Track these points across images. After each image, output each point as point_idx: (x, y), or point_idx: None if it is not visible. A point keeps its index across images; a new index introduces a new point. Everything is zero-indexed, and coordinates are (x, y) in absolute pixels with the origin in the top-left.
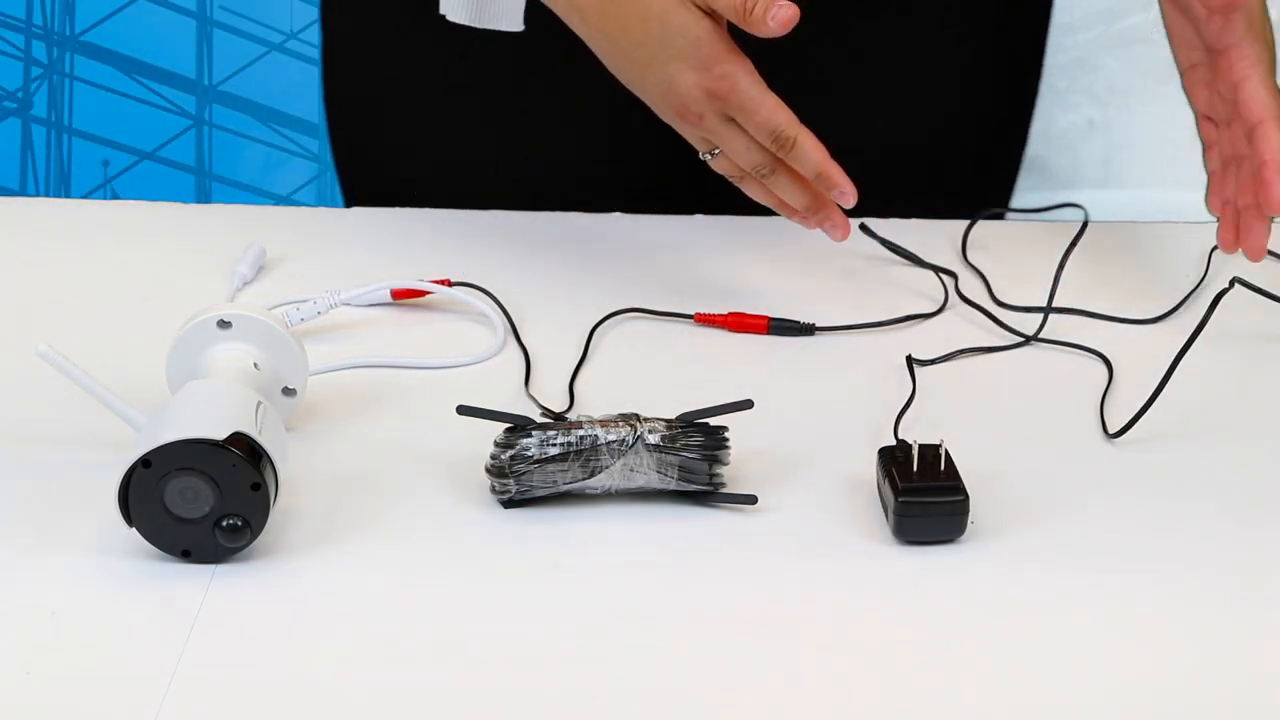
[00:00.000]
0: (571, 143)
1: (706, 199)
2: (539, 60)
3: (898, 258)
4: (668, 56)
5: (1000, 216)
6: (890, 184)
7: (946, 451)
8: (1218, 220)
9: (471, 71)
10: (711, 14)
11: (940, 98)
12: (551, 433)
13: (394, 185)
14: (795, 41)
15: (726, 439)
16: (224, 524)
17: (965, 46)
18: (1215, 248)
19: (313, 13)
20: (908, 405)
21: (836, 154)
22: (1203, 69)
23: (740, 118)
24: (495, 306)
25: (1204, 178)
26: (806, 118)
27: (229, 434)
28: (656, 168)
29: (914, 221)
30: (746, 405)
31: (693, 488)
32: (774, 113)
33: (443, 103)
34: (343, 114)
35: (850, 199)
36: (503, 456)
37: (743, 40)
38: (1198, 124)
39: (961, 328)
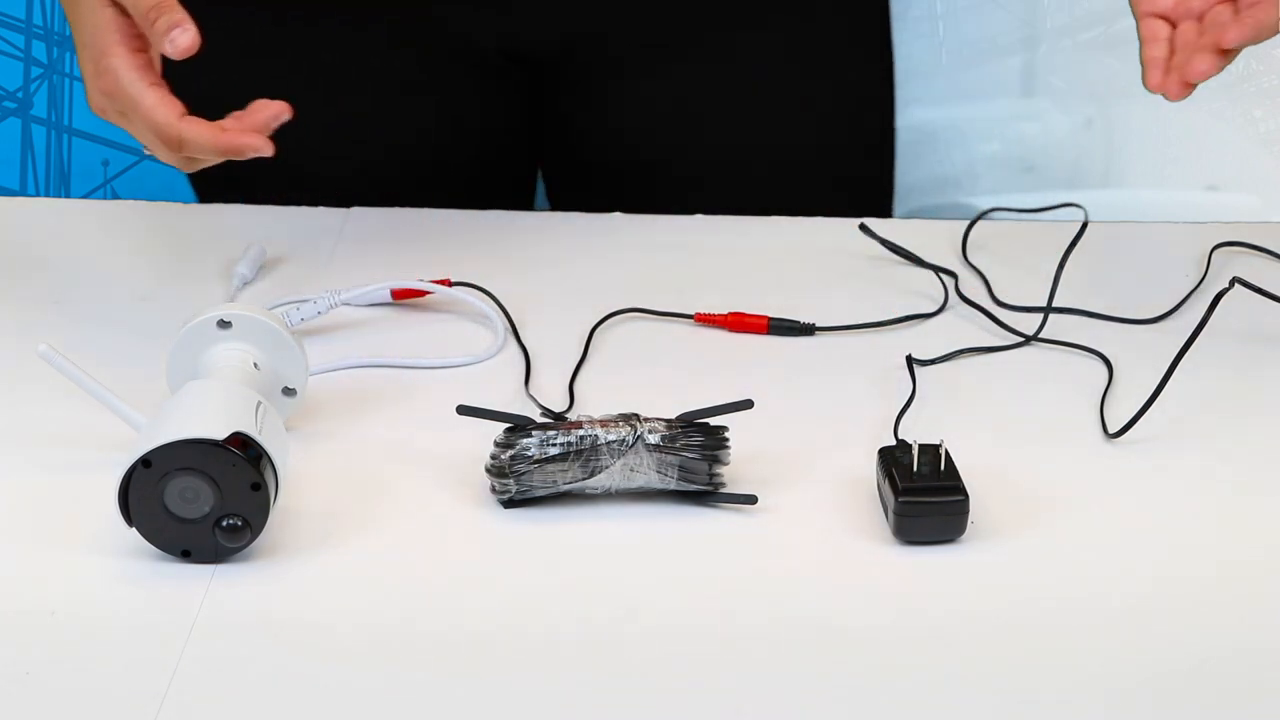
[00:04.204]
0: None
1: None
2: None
3: (898, 258)
4: (80, 46)
5: (989, 216)
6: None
7: (946, 451)
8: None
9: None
10: (117, 5)
11: (767, 96)
12: (551, 433)
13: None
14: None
15: (726, 439)
16: (224, 524)
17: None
18: (1215, 247)
19: None
20: (908, 405)
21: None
22: None
23: (129, 116)
24: (495, 306)
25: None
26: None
27: (229, 434)
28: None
29: (914, 222)
30: (746, 405)
31: (693, 488)
32: (152, 111)
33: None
34: None
35: (263, 147)
36: (503, 456)
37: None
38: (1140, 22)
39: (961, 328)
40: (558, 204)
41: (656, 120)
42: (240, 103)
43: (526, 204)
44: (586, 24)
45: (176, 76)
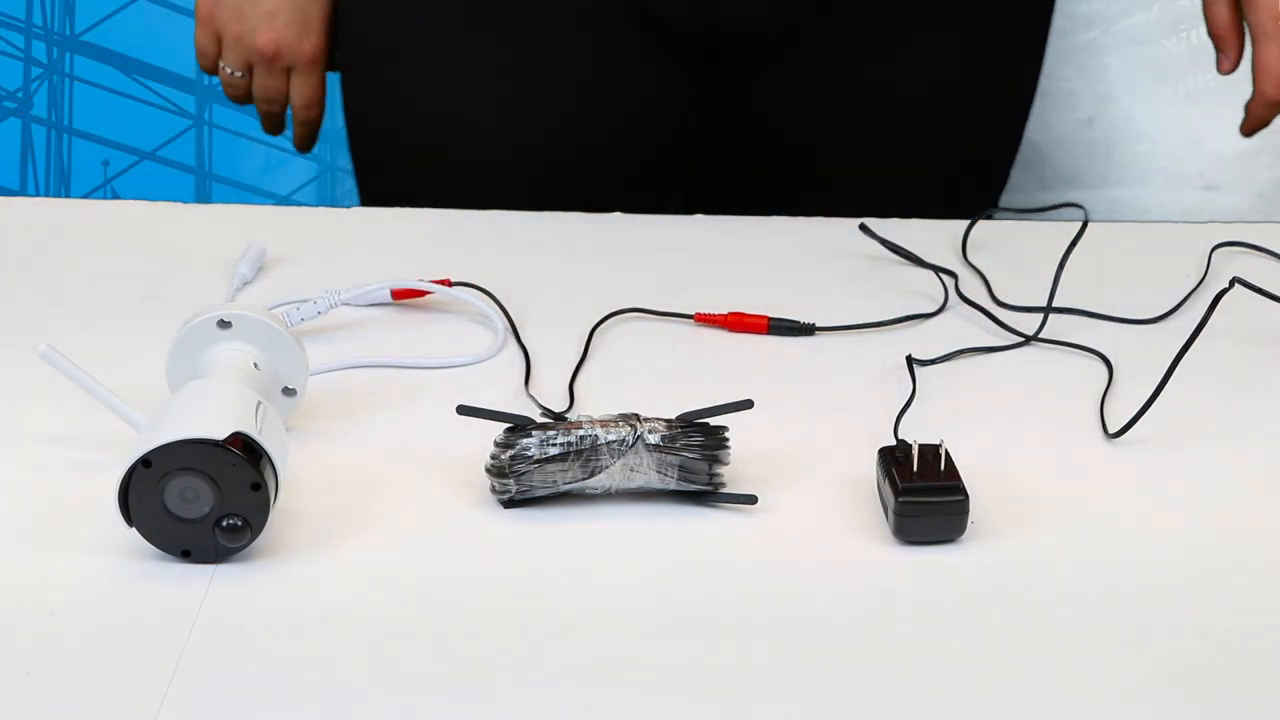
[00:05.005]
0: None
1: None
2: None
3: (898, 258)
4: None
5: (990, 216)
6: (883, 181)
7: (946, 451)
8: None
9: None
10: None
11: (933, 96)
12: (551, 433)
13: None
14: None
15: (726, 439)
16: (224, 524)
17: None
18: (1215, 247)
19: None
20: (908, 405)
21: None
22: None
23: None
24: (495, 306)
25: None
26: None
27: (229, 434)
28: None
29: (914, 221)
30: (746, 405)
31: (693, 488)
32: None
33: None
34: (359, 115)
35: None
36: (503, 456)
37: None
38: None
39: (961, 328)
40: (704, 193)
41: (821, 110)
42: (421, 88)
43: (686, 193)
44: (791, 12)
45: (369, 50)
